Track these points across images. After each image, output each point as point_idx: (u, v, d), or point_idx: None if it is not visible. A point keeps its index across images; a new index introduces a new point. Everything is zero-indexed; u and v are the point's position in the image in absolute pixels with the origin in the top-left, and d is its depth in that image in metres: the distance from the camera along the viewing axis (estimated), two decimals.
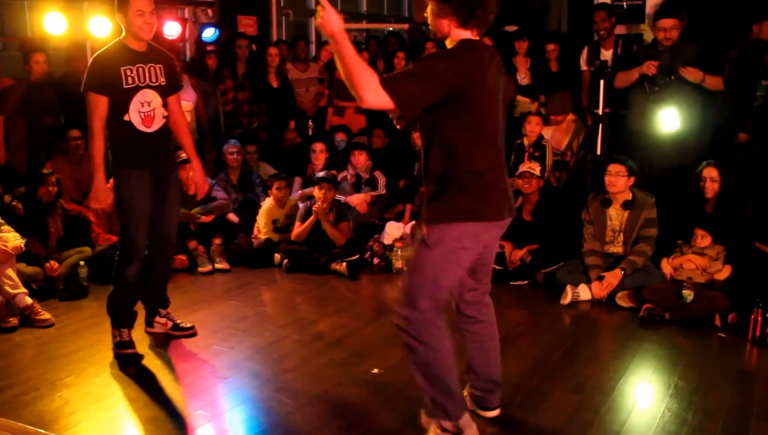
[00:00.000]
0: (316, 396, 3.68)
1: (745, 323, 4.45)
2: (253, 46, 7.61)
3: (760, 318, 4.37)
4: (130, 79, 4.04)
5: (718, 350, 4.38)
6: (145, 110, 4.10)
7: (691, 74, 5.56)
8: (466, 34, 2.92)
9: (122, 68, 4.02)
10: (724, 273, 4.94)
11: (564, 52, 7.34)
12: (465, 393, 3.34)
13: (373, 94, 2.67)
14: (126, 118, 4.05)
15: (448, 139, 2.86)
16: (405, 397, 3.63)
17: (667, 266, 5.12)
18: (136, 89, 4.06)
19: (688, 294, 4.74)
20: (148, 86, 4.10)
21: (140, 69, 4.07)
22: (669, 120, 5.61)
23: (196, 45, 7.56)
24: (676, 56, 5.59)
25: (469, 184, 2.88)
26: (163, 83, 4.16)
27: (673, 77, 5.56)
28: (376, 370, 3.98)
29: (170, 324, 4.52)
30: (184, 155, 6.14)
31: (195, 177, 4.59)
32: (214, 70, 7.14)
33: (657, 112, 5.65)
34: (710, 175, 5.19)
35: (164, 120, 4.21)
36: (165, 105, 4.20)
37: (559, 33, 9.56)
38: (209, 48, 7.18)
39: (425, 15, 3.00)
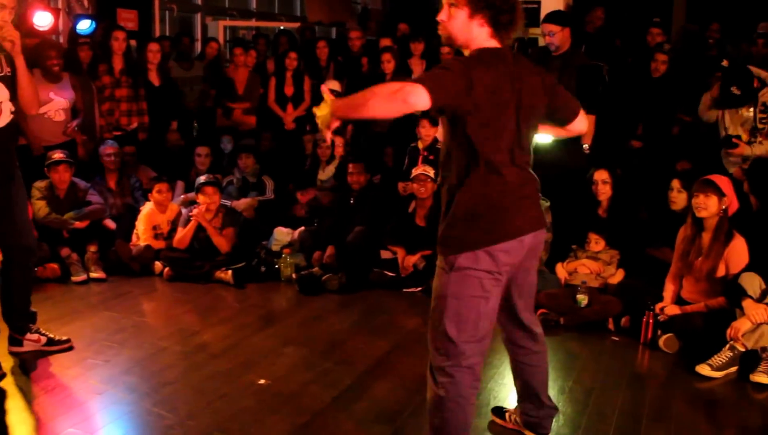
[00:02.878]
0: (200, 409, 3.64)
1: (638, 326, 4.69)
2: (133, 42, 7.42)
3: (651, 321, 4.63)
4: None
5: (611, 353, 4.58)
6: None
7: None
8: (492, 44, 2.78)
9: None
10: (617, 277, 5.19)
11: (460, 55, 7.52)
12: (515, 418, 3.41)
13: (411, 94, 2.54)
14: None
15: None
16: (293, 408, 3.66)
17: (561, 271, 5.32)
18: None
19: (582, 298, 4.94)
20: None
21: None
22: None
23: (69, 37, 7.30)
24: (566, 65, 5.84)
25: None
26: (8, 73, 3.90)
27: None
28: (262, 381, 3.97)
29: (44, 339, 4.30)
30: (56, 156, 5.97)
31: None
32: (88, 64, 6.92)
33: None
34: (601, 177, 5.46)
35: (12, 115, 3.95)
36: (12, 98, 3.93)
37: None
38: (82, 40, 6.94)
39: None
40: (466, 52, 2.81)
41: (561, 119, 3.06)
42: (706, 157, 5.95)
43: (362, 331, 4.89)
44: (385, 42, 7.88)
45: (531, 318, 3.17)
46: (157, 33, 8.81)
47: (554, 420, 3.48)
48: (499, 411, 3.55)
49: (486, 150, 2.71)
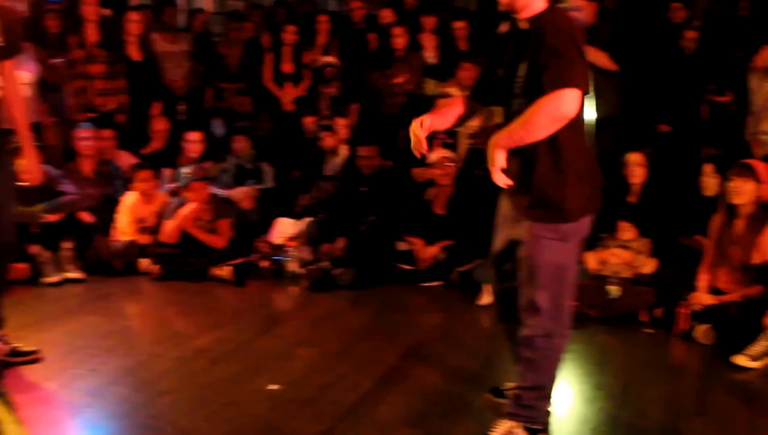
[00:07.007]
0: (204, 418, 3.55)
1: (672, 318, 4.82)
2: (106, 11, 7.28)
3: (686, 312, 4.72)
4: None
5: (646, 346, 4.71)
6: None
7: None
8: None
9: None
10: (649, 267, 5.21)
11: (474, 31, 7.47)
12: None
13: (571, 102, 2.78)
14: None
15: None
16: (311, 414, 3.61)
17: (591, 261, 5.31)
18: None
19: (614, 290, 5.03)
20: None
21: None
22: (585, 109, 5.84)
23: (33, 3, 7.14)
24: (592, 37, 5.82)
25: None
26: (1, 44, 3.83)
27: None
28: (274, 386, 3.91)
29: (6, 349, 4.16)
30: None
31: (28, 164, 4.14)
32: (57, 35, 6.79)
33: None
34: (636, 160, 5.53)
35: None
36: None
37: (467, 11, 9.77)
38: (49, 6, 6.81)
39: None
40: (525, 15, 2.98)
41: None
42: (735, 141, 6.12)
43: (379, 330, 4.91)
44: (386, 14, 7.78)
45: None
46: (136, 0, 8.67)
47: (594, 416, 3.66)
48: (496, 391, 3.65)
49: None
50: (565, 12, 3.01)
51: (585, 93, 2.81)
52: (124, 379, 4.03)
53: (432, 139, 6.37)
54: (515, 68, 3.00)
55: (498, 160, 2.86)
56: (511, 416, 3.25)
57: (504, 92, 3.08)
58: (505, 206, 3.29)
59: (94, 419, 3.59)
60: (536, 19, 2.94)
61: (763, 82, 5.82)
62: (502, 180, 2.90)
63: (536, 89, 2.83)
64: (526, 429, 3.23)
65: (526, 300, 3.11)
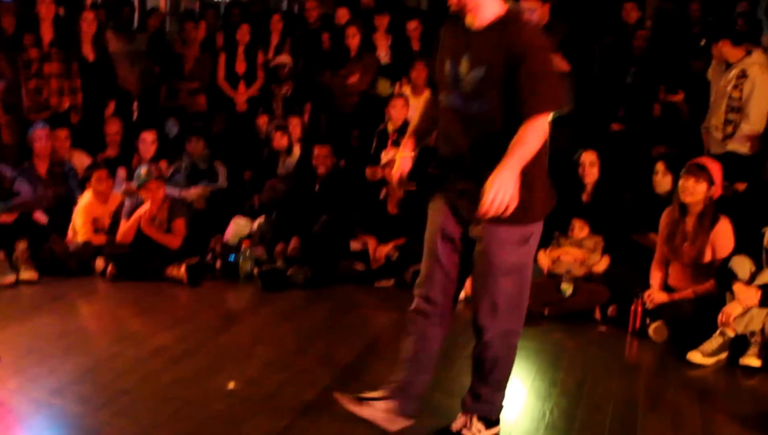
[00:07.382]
0: (166, 417, 3.61)
1: (625, 315, 4.93)
2: (60, 10, 7.27)
3: (639, 309, 4.85)
4: None
5: (599, 344, 4.82)
6: None
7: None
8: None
9: None
10: (602, 265, 5.34)
11: (426, 31, 7.62)
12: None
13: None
14: None
15: None
16: (270, 411, 3.67)
17: (544, 259, 5.43)
18: None
19: (568, 288, 5.14)
20: None
21: None
22: None
23: None
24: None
25: None
26: None
27: None
28: (232, 384, 3.97)
29: None
30: None
31: None
32: (12, 34, 6.77)
33: None
34: (589, 159, 5.62)
35: None
36: None
37: (419, 10, 9.92)
38: (5, 5, 6.77)
39: None
40: (478, 17, 2.98)
41: None
42: (687, 139, 6.24)
43: (335, 328, 4.98)
44: (343, 13, 7.89)
45: None
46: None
47: (549, 412, 3.74)
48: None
49: None
50: (523, 14, 3.04)
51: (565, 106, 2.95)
52: (84, 379, 4.03)
53: (385, 138, 6.59)
54: (458, 68, 3.04)
55: (513, 186, 2.84)
56: (469, 410, 3.39)
57: (456, 92, 3.09)
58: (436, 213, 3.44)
59: (57, 419, 3.61)
60: (499, 26, 2.95)
61: (718, 76, 5.94)
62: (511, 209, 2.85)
63: (496, 91, 2.94)
64: (481, 419, 3.36)
65: (485, 300, 3.19)
